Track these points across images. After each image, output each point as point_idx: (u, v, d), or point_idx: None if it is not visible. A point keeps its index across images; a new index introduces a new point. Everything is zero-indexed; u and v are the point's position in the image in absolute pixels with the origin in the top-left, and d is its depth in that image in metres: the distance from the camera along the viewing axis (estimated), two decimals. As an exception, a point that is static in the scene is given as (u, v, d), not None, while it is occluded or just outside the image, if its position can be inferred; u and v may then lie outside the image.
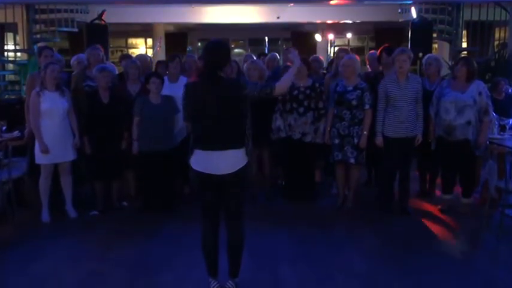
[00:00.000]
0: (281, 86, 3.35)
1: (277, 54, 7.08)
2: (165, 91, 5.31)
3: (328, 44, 15.43)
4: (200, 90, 3.30)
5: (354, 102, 5.22)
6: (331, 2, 11.08)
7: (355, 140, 5.24)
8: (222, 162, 3.26)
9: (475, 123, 5.03)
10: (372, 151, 5.31)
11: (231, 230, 3.41)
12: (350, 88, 5.26)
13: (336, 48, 13.34)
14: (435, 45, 11.69)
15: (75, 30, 10.09)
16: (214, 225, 3.44)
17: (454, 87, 5.10)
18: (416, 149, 5.23)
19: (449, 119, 5.04)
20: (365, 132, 5.22)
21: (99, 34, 8.36)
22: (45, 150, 4.90)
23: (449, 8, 9.58)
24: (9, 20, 9.21)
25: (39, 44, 8.79)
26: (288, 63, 5.13)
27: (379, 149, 5.19)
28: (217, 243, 3.45)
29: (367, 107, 5.23)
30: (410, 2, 9.70)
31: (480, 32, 9.45)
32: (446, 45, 10.42)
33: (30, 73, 5.65)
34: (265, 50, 16.02)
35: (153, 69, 6.17)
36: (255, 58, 6.50)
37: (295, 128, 5.49)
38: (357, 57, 5.48)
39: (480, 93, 5.02)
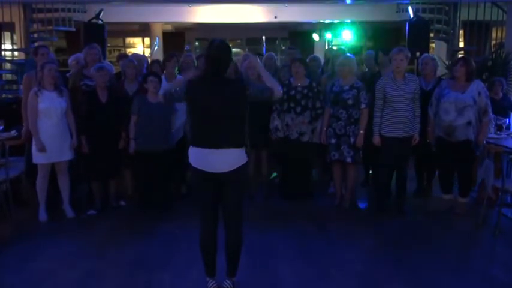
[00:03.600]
0: (275, 90, 3.38)
1: (274, 54, 7.07)
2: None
3: (325, 44, 15.44)
4: (203, 87, 3.30)
5: (350, 102, 5.22)
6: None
7: (352, 140, 5.24)
8: (219, 160, 3.27)
9: (475, 123, 5.03)
10: (369, 150, 5.32)
11: (229, 229, 3.41)
12: (346, 87, 5.26)
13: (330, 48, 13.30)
14: (432, 45, 11.69)
15: (73, 29, 10.08)
16: (213, 224, 3.44)
17: (453, 87, 5.09)
18: (414, 148, 5.23)
19: (449, 120, 5.02)
20: (361, 131, 5.22)
21: (96, 33, 8.34)
22: (42, 149, 4.90)
23: (447, 8, 9.58)
24: (7, 19, 9.16)
25: (36, 44, 8.77)
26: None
27: (377, 148, 5.20)
28: (215, 243, 3.45)
29: (363, 106, 5.23)
30: (408, 1, 9.71)
31: (477, 31, 9.46)
32: (443, 45, 10.43)
33: (27, 73, 5.62)
34: (262, 49, 15.99)
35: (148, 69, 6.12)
36: (253, 57, 6.47)
37: (293, 127, 5.50)
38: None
39: (480, 93, 5.02)
